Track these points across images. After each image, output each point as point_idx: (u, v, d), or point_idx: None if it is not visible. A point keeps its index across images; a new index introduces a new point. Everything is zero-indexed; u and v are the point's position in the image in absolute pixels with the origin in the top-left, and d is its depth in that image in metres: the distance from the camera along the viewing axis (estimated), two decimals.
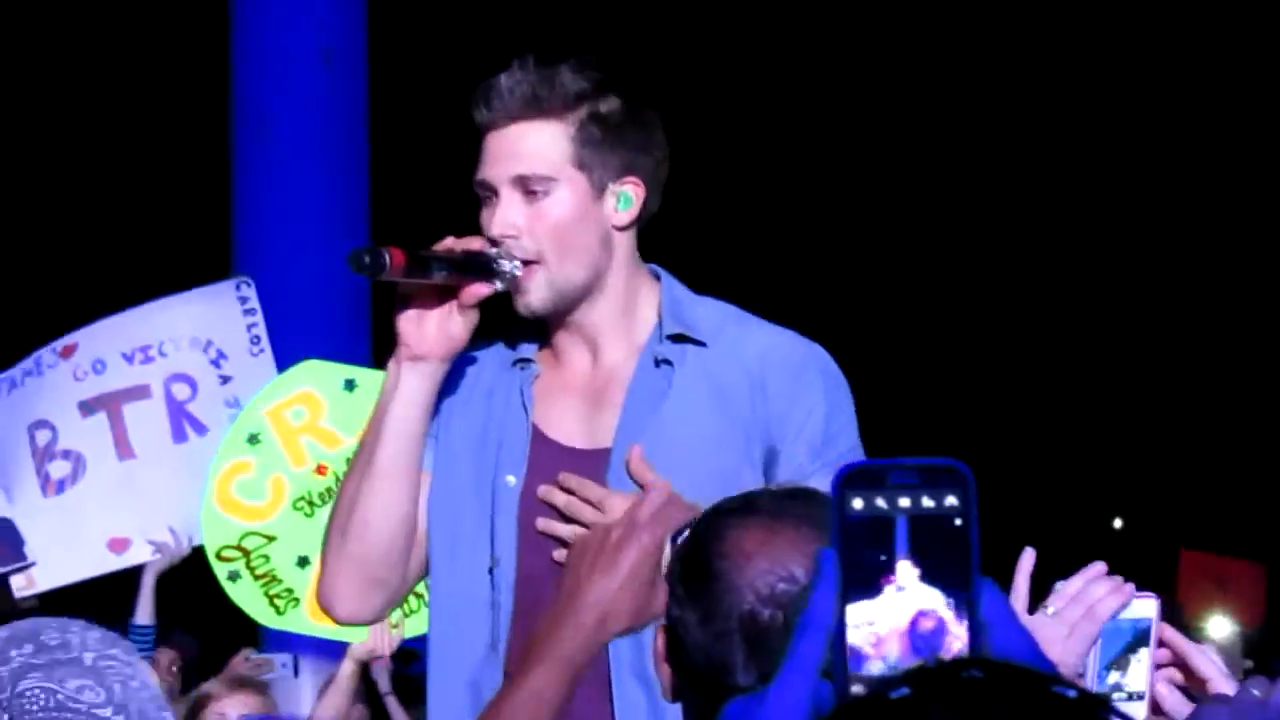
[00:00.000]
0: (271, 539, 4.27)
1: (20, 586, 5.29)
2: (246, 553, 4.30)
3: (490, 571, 3.00)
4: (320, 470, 4.29)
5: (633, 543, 2.21)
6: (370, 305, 9.80)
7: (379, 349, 9.72)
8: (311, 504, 4.27)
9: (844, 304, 13.93)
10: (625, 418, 3.00)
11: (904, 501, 1.40)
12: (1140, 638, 2.63)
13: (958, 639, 1.39)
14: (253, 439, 4.35)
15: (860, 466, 1.42)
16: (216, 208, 9.91)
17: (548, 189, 2.96)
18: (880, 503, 1.40)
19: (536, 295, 2.96)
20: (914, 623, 1.39)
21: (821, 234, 14.86)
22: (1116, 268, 16.12)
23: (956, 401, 16.21)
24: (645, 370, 3.02)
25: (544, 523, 2.98)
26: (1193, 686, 2.63)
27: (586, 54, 3.03)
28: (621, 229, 3.02)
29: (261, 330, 5.63)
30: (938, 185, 15.14)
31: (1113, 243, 15.99)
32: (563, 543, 2.94)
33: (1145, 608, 2.63)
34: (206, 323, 5.57)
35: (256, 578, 4.28)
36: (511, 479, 3.01)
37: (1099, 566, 2.65)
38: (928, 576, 1.39)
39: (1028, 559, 2.68)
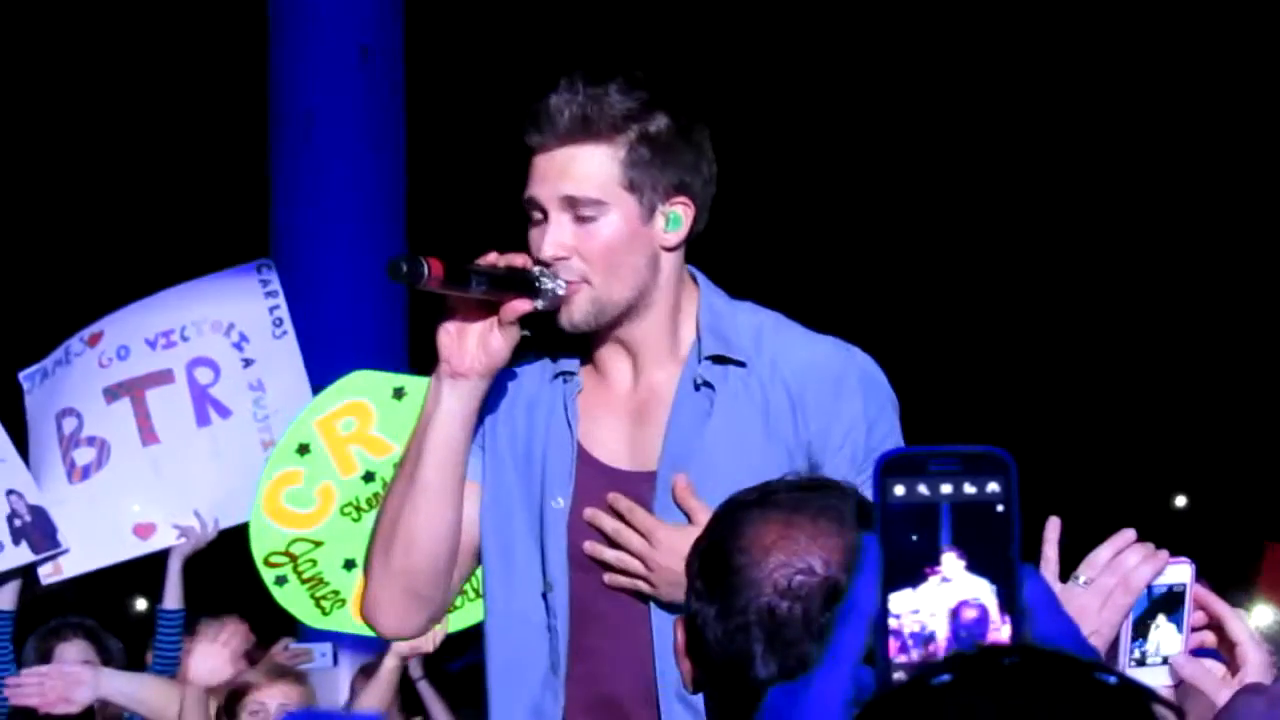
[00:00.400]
0: (319, 544, 4.29)
1: (47, 573, 5.30)
2: (294, 558, 4.32)
3: (544, 596, 2.97)
4: (368, 477, 4.30)
5: None
6: (406, 303, 9.81)
7: (415, 344, 9.76)
8: (359, 509, 4.29)
9: (894, 280, 13.87)
10: (669, 442, 2.97)
11: (946, 489, 1.40)
12: (1159, 603, 2.60)
13: (1000, 627, 1.38)
14: (302, 449, 4.37)
15: (901, 454, 1.41)
16: (255, 203, 9.92)
17: (597, 212, 2.93)
18: (922, 490, 1.40)
19: (579, 310, 2.93)
20: (956, 611, 1.39)
21: (872, 217, 14.75)
22: (1182, 240, 15.86)
23: (1014, 371, 16.09)
24: (686, 392, 2.99)
25: (590, 546, 2.96)
26: (1224, 650, 2.61)
27: (634, 70, 3.00)
28: (670, 249, 3.00)
29: (284, 312, 5.61)
30: (992, 165, 15.01)
31: (1175, 214, 15.77)
32: (609, 567, 2.93)
33: (1178, 573, 2.60)
34: (228, 306, 5.56)
35: (303, 581, 4.30)
36: (560, 501, 2.99)
37: (1129, 534, 2.62)
38: (973, 566, 1.39)
39: (1054, 528, 2.64)
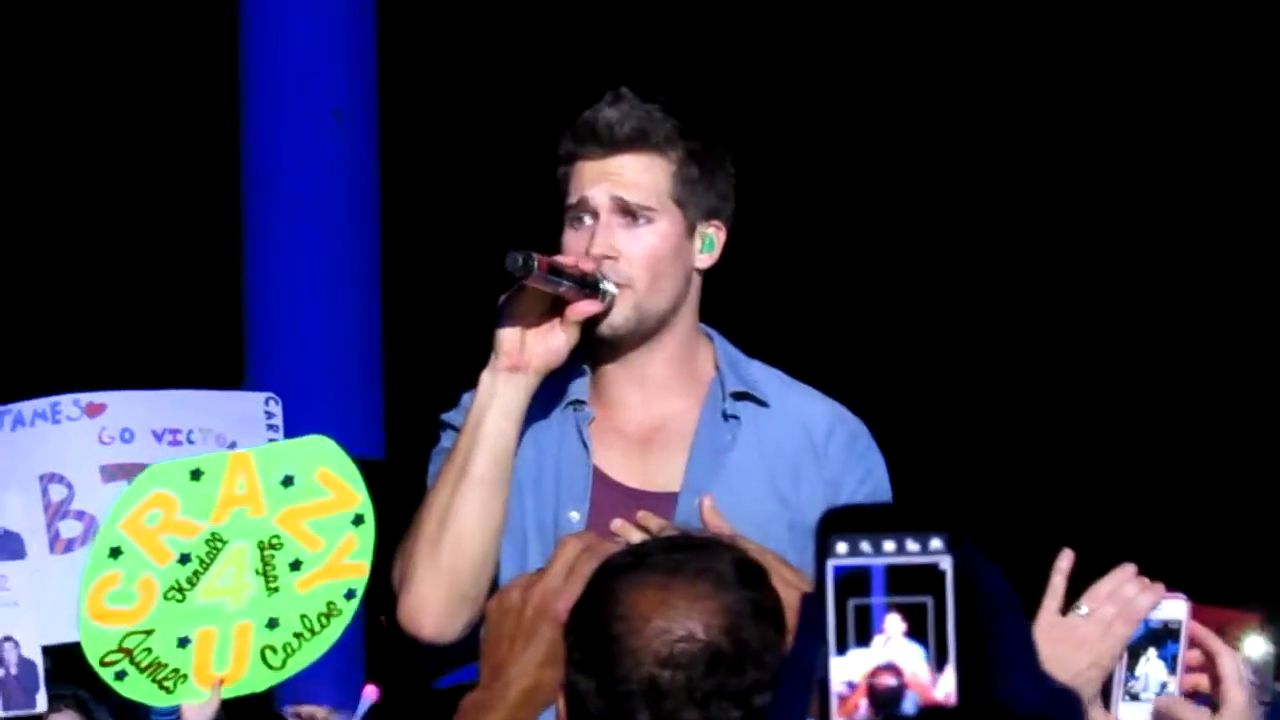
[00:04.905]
0: (150, 632, 4.33)
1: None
2: (129, 651, 4.33)
3: None
4: (184, 559, 4.36)
5: (550, 613, 2.16)
6: (381, 362, 9.84)
7: (391, 402, 9.76)
8: (182, 590, 4.33)
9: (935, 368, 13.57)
10: (693, 464, 3.06)
11: (888, 545, 1.40)
12: (1152, 638, 2.66)
13: (925, 690, 1.38)
14: (114, 553, 4.44)
15: (844, 510, 1.42)
16: (226, 266, 9.94)
17: (649, 217, 3.06)
18: (865, 547, 1.40)
19: (621, 315, 3.05)
20: (874, 676, 1.39)
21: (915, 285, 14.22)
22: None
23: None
24: (712, 421, 3.09)
25: (619, 524, 2.99)
26: (1213, 690, 2.67)
27: (676, 95, 3.11)
28: (700, 271, 3.11)
29: None
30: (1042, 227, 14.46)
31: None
32: None
33: (1173, 609, 2.66)
34: (233, 425, 5.57)
35: (142, 670, 4.32)
36: (575, 514, 3.06)
37: (1129, 567, 2.70)
38: (913, 627, 1.39)
39: (1065, 558, 2.73)
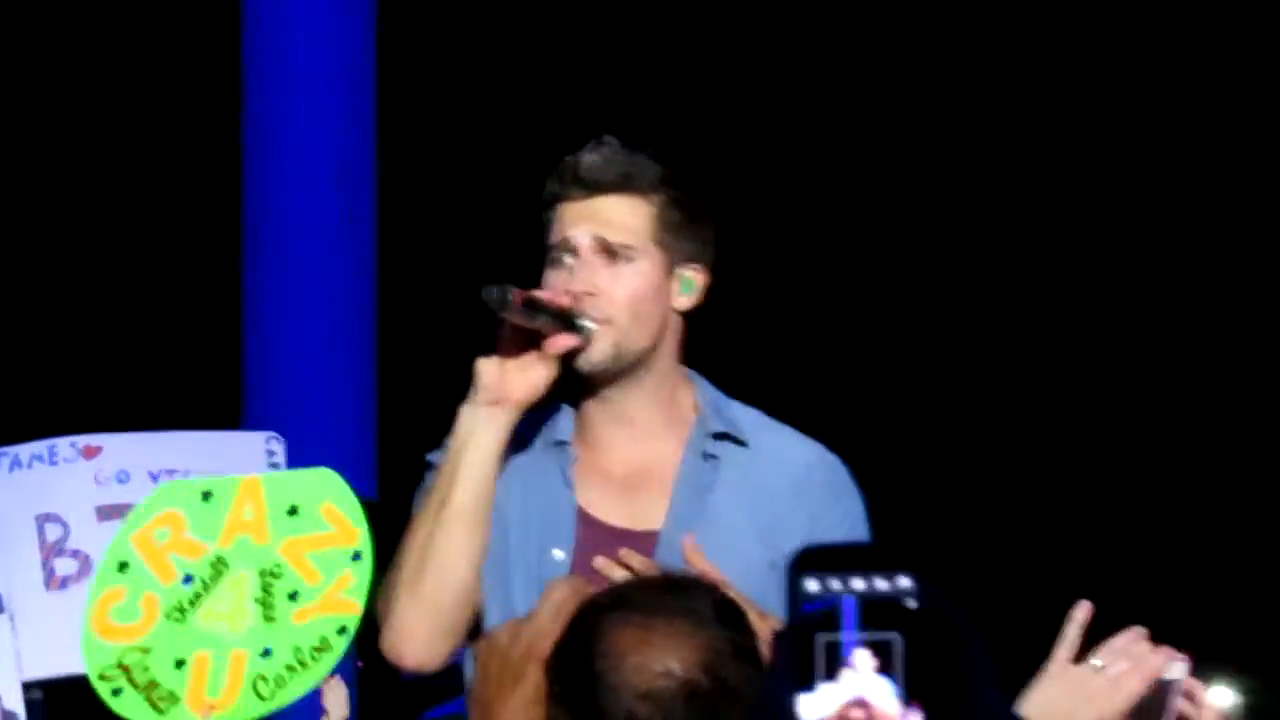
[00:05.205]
0: (148, 650, 4.40)
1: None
2: (127, 669, 4.40)
3: None
4: (187, 579, 4.44)
5: (537, 656, 2.19)
6: (376, 402, 9.88)
7: (384, 442, 9.79)
8: (182, 611, 4.38)
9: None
10: (675, 503, 3.11)
11: (857, 584, 1.43)
12: (1155, 696, 2.72)
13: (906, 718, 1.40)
14: (122, 566, 4.51)
15: (814, 549, 1.46)
16: (227, 318, 9.97)
17: (630, 257, 3.12)
18: (834, 585, 1.43)
19: (599, 350, 3.11)
20: (843, 711, 1.41)
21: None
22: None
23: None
24: (694, 462, 3.15)
25: (602, 562, 3.04)
26: None
27: (663, 144, 3.19)
28: (680, 314, 3.17)
29: None
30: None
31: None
32: None
33: (1177, 669, 2.73)
34: (232, 466, 5.59)
35: (139, 689, 4.38)
36: (559, 553, 3.11)
37: (1141, 630, 2.76)
38: (884, 664, 1.41)
39: (1082, 610, 2.79)
